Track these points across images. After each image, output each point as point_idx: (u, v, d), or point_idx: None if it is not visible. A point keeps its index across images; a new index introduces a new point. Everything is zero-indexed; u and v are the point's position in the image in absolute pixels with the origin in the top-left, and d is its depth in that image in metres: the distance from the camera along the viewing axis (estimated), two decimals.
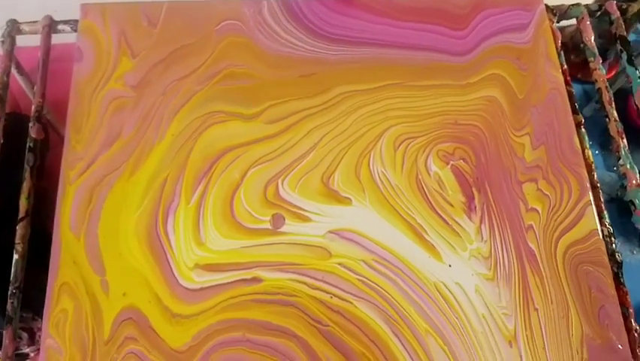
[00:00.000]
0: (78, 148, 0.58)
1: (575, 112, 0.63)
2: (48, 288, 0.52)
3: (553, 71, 0.63)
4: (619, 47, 0.69)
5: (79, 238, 0.55)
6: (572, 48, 1.06)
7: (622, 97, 0.93)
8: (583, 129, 0.63)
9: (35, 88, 0.64)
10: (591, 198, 0.57)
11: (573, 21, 0.71)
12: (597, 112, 0.96)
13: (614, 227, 0.58)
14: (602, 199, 0.59)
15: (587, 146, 0.62)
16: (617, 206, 0.75)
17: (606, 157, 0.80)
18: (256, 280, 0.53)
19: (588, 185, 0.58)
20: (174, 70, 0.61)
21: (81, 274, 0.53)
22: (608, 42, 0.90)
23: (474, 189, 0.57)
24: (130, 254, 0.54)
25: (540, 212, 0.56)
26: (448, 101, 0.61)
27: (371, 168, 0.58)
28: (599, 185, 0.60)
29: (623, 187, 0.99)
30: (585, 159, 0.60)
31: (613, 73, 1.08)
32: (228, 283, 0.53)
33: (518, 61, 0.63)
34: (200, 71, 0.61)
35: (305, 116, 0.60)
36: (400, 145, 0.59)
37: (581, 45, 0.69)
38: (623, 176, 0.64)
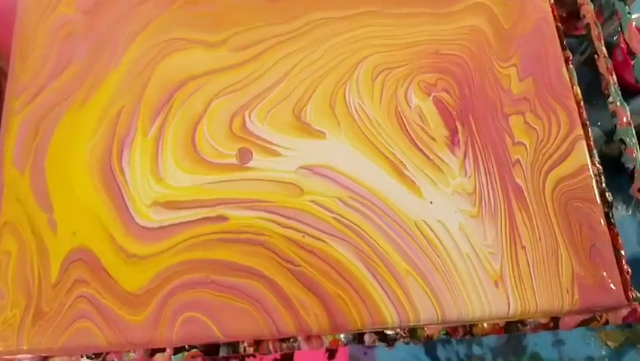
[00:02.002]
0: (24, 77, 0.53)
1: (563, 48, 0.59)
2: None
3: (540, 1, 0.58)
4: None
5: (23, 173, 0.49)
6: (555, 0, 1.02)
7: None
8: (571, 66, 0.59)
9: None
10: (582, 132, 0.53)
11: None
12: (580, 67, 0.93)
13: None
14: (591, 137, 0.56)
15: (576, 82, 0.59)
16: (600, 163, 0.71)
17: (589, 112, 0.76)
18: (221, 218, 0.49)
19: (578, 118, 0.54)
20: None
21: (26, 213, 0.48)
22: None
23: (457, 122, 0.52)
24: (81, 190, 0.49)
25: (527, 146, 0.52)
26: (429, 30, 0.56)
27: (347, 99, 0.53)
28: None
29: (607, 142, 0.97)
30: (574, 95, 0.56)
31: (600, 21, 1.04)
32: (190, 221, 0.48)
33: None
34: None
35: (274, 44, 0.55)
36: (378, 75, 0.54)
37: None
38: (612, 114, 0.60)
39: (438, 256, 0.48)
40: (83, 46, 0.54)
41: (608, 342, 0.86)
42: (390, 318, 0.46)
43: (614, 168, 0.64)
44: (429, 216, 0.49)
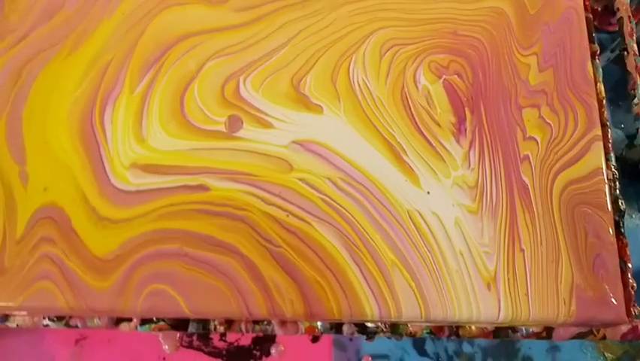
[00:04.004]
0: (12, 18, 0.50)
1: (591, 41, 0.54)
2: None
3: None
4: None
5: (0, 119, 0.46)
6: None
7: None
8: (597, 61, 0.55)
9: None
10: (600, 133, 0.49)
11: None
12: (610, 64, 0.88)
13: None
14: (610, 139, 0.51)
15: (600, 79, 0.54)
16: (620, 166, 0.66)
17: (614, 113, 0.72)
18: (202, 187, 0.46)
19: (598, 118, 0.50)
20: None
21: None
22: None
23: (467, 109, 0.48)
24: (57, 144, 0.46)
25: (539, 142, 0.48)
26: (449, 8, 0.52)
27: (350, 74, 0.49)
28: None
29: (629, 146, 0.92)
30: (597, 93, 0.52)
31: (637, 19, 0.98)
32: (169, 188, 0.45)
33: None
34: None
35: (280, 8, 0.51)
36: (387, 52, 0.50)
37: None
38: (636, 117, 0.56)
39: (428, 251, 0.44)
40: None
41: (605, 353, 0.82)
42: (370, 311, 0.43)
43: (633, 174, 0.60)
44: (424, 207, 0.46)
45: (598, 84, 0.53)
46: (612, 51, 0.86)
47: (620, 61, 0.65)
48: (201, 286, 0.43)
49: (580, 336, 0.47)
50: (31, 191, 0.45)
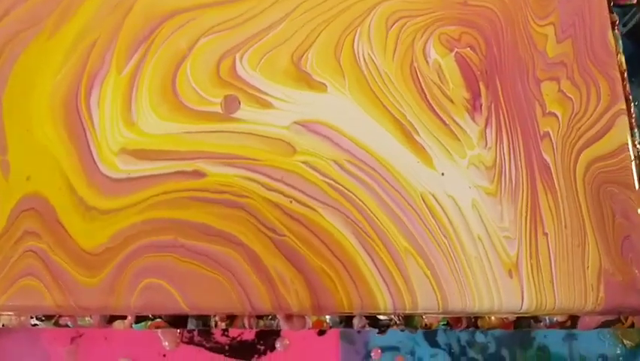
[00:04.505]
0: None
1: (610, 11, 0.51)
2: None
3: None
4: None
5: None
6: None
7: None
8: (617, 31, 0.51)
9: None
10: (624, 107, 0.46)
11: None
12: (622, 39, 0.85)
13: None
14: (634, 115, 0.48)
15: (621, 50, 0.51)
16: None
17: (632, 88, 0.67)
18: (198, 173, 0.42)
19: (622, 91, 0.46)
20: None
21: None
22: None
23: (481, 83, 0.45)
24: (40, 130, 0.43)
25: (560, 118, 0.44)
26: None
27: (355, 48, 0.46)
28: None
29: None
30: (619, 64, 0.49)
31: None
32: (162, 174, 0.42)
33: None
34: None
35: None
36: (394, 24, 0.47)
37: None
38: None
39: (444, 236, 0.41)
40: None
41: (624, 341, 0.79)
42: (384, 302, 0.40)
43: None
44: (439, 190, 0.42)
45: (619, 55, 0.49)
46: (625, 25, 0.82)
47: (632, 35, 0.61)
48: (199, 279, 0.40)
49: (606, 324, 0.44)
50: (13, 181, 0.41)
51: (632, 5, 0.58)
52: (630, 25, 0.81)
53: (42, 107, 0.43)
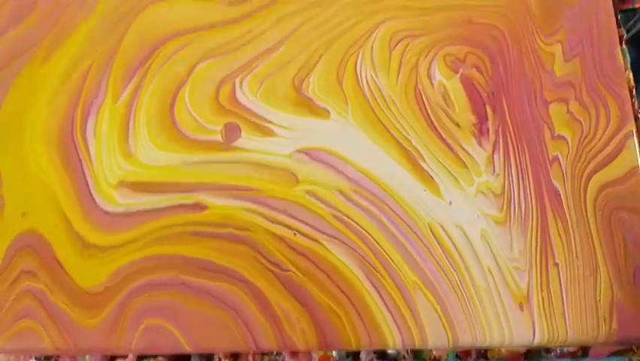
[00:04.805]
0: None
1: (617, 25, 0.50)
2: None
3: None
4: None
5: None
6: None
7: None
8: (624, 46, 0.50)
9: None
10: (634, 128, 0.45)
11: None
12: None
13: None
14: None
15: (629, 66, 0.49)
16: None
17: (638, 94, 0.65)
18: (199, 206, 0.41)
19: (631, 111, 0.45)
20: None
21: None
22: None
23: (488, 106, 0.44)
24: (35, 163, 0.41)
25: (569, 141, 0.43)
26: None
27: (358, 72, 0.44)
28: None
29: None
30: (627, 81, 0.47)
31: None
32: (162, 208, 0.41)
33: None
34: None
35: None
36: (397, 44, 0.45)
37: None
38: None
39: (453, 269, 0.40)
40: None
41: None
42: (392, 339, 0.39)
43: None
44: (446, 220, 0.41)
45: (627, 71, 0.48)
46: (628, 31, 0.81)
47: (634, 42, 0.60)
48: (202, 318, 0.39)
49: (618, 354, 0.43)
50: (8, 217, 0.40)
51: (634, 10, 0.56)
52: (633, 31, 0.80)
53: (36, 138, 0.42)
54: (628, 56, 0.49)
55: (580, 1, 0.47)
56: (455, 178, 0.42)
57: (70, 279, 0.39)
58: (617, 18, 0.50)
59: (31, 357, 0.41)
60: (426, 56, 0.45)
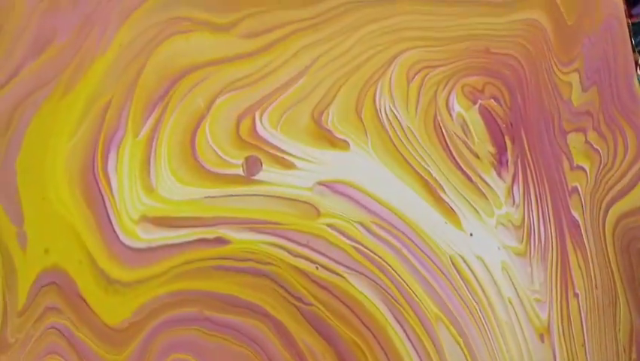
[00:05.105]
0: None
1: (632, 50, 0.50)
2: None
3: None
4: None
5: None
6: None
7: None
8: (639, 71, 0.50)
9: None
10: None
11: None
12: None
13: None
14: None
15: None
16: None
17: None
18: (221, 241, 0.41)
19: None
20: None
21: None
22: None
23: (507, 137, 0.44)
24: (57, 199, 0.41)
25: (588, 171, 0.44)
26: (480, 23, 0.47)
27: (377, 103, 0.45)
28: None
29: None
30: None
31: None
32: (184, 243, 0.41)
33: None
34: None
35: (294, 31, 0.46)
36: (415, 76, 0.45)
37: None
38: None
39: (475, 301, 0.40)
40: (69, 19, 0.45)
41: None
42: None
43: None
44: (467, 252, 0.41)
45: None
46: (637, 45, 0.81)
47: None
48: (226, 353, 0.39)
49: None
50: (31, 254, 0.40)
51: None
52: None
53: (58, 174, 0.42)
54: None
55: (596, 29, 0.48)
56: (475, 210, 0.42)
57: (95, 315, 0.39)
58: (631, 42, 0.50)
59: None
60: (444, 87, 0.45)
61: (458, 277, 0.41)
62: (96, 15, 0.44)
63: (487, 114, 0.45)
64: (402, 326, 0.40)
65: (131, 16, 0.44)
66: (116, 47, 0.44)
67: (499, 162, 0.43)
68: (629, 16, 0.82)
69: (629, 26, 0.50)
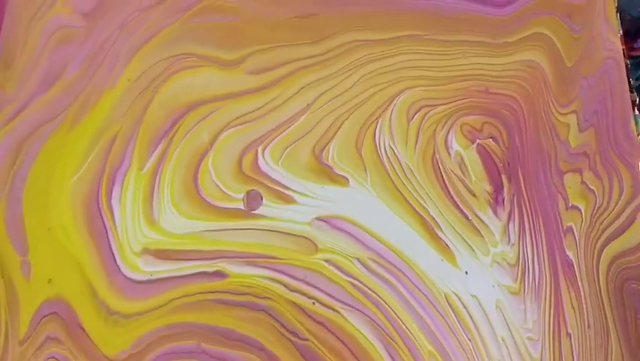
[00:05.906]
0: (7, 87, 0.46)
1: (630, 90, 0.51)
2: None
3: (610, 36, 0.50)
4: None
5: None
6: None
7: None
8: (637, 111, 0.51)
9: None
10: None
11: None
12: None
13: None
14: None
15: None
16: None
17: None
18: (220, 274, 0.42)
19: None
20: None
21: None
22: None
23: (504, 176, 0.45)
24: (61, 230, 0.43)
25: (583, 212, 0.44)
26: (479, 63, 0.48)
27: (377, 141, 0.46)
28: None
29: None
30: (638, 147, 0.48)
31: None
32: (184, 276, 0.42)
33: (569, 19, 0.50)
34: (170, 1, 0.48)
35: (298, 68, 0.47)
36: (415, 114, 0.46)
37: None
38: None
39: (469, 339, 0.41)
40: (79, 55, 0.47)
41: None
42: None
43: None
44: (462, 289, 0.42)
45: (639, 138, 0.49)
46: (637, 79, 0.82)
47: None
48: None
49: None
50: (35, 284, 0.41)
51: None
52: None
53: (63, 205, 0.43)
54: None
55: (594, 72, 0.49)
56: (471, 248, 0.43)
57: (95, 346, 0.40)
58: (629, 83, 0.51)
59: None
60: (443, 125, 0.46)
61: (452, 314, 0.41)
62: (106, 50, 0.46)
63: (484, 153, 0.45)
64: None
65: (140, 52, 0.46)
66: (125, 81, 0.45)
67: (496, 201, 0.44)
68: (630, 49, 0.83)
69: (627, 67, 0.51)
